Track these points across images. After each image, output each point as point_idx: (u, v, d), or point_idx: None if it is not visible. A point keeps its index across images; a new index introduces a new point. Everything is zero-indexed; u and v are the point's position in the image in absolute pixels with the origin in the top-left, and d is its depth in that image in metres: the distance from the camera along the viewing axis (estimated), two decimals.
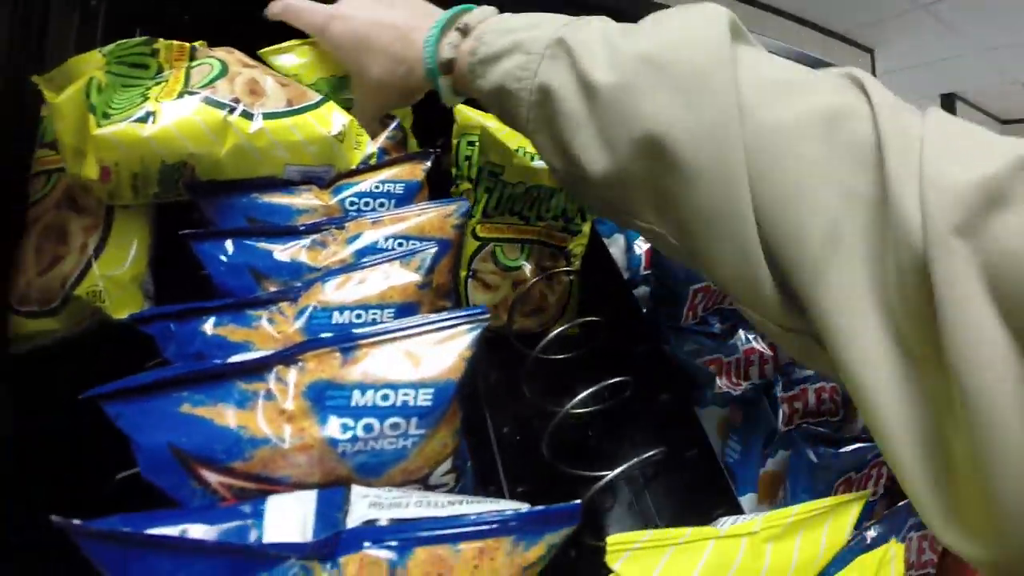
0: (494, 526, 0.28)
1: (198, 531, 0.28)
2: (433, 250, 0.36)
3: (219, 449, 0.31)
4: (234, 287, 0.38)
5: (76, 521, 0.26)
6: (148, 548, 0.26)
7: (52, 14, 0.46)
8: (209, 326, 0.36)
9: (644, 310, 0.52)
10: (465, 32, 0.45)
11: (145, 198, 0.40)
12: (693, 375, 0.49)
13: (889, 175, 0.28)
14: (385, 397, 0.30)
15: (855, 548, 0.45)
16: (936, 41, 3.85)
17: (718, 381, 0.49)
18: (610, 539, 0.31)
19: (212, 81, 0.40)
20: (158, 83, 0.41)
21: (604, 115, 0.37)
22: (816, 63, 0.85)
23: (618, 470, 0.43)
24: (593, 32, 0.40)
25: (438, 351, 0.31)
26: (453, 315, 0.31)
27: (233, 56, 0.45)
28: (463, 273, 0.56)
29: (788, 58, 0.35)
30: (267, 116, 0.40)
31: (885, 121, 0.30)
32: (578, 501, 0.27)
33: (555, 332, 0.50)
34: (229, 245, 0.38)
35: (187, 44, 0.45)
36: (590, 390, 0.46)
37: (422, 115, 0.56)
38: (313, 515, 0.30)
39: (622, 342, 0.54)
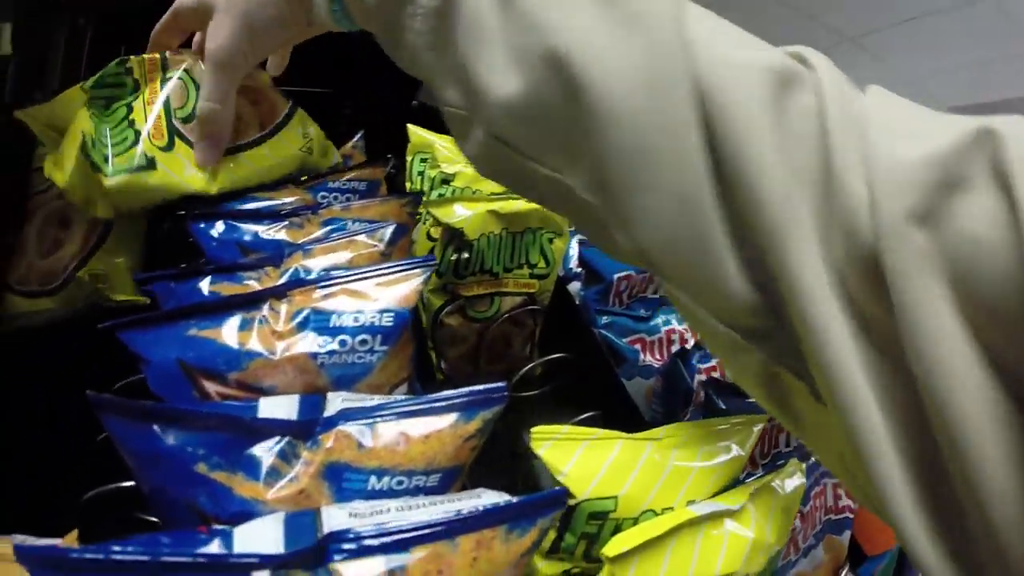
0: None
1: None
2: (393, 227, 0.51)
3: (221, 362, 0.44)
4: (224, 259, 0.53)
5: (106, 395, 0.39)
6: (166, 421, 0.40)
7: (52, 32, 0.60)
8: (206, 284, 0.50)
9: (577, 301, 0.67)
10: None
11: (143, 211, 0.55)
12: (620, 352, 0.63)
13: (832, 151, 0.28)
14: (356, 318, 0.45)
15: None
16: (866, 72, 4.33)
17: (641, 356, 0.63)
18: (534, 430, 0.43)
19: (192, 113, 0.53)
20: (136, 97, 0.54)
21: (518, 23, 0.35)
22: None
23: None
24: None
25: (398, 287, 0.46)
26: (408, 262, 0.46)
27: (199, 67, 0.56)
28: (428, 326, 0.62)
29: None
30: (244, 147, 0.56)
31: (828, 90, 0.30)
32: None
33: (523, 370, 0.61)
34: (220, 224, 0.51)
35: (157, 55, 0.57)
36: (528, 366, 0.60)
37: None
38: (297, 408, 0.44)
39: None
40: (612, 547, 0.41)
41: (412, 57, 0.41)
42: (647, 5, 0.33)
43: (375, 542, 0.33)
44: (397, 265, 0.46)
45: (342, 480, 0.40)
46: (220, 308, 0.45)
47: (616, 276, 0.65)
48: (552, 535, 0.45)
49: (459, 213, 0.57)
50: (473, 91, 0.37)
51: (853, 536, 0.63)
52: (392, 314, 0.45)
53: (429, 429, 0.41)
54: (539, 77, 0.34)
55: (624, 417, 0.60)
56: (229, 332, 0.44)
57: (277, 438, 0.41)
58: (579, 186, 0.35)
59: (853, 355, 0.27)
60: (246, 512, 0.39)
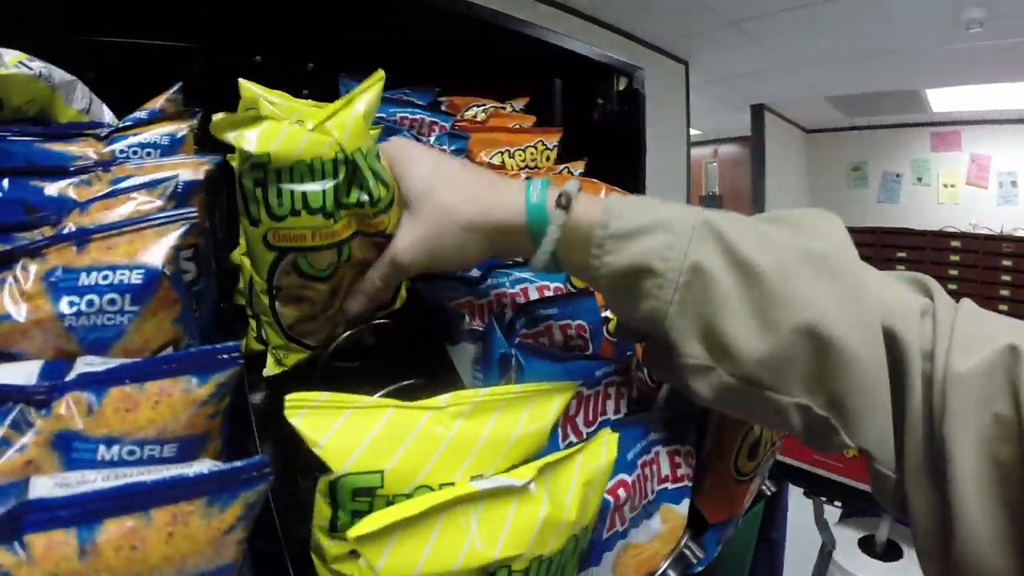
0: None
1: None
2: (179, 182, 0.51)
3: None
4: (6, 219, 0.53)
5: None
6: None
7: None
8: None
9: None
10: (567, 202, 0.52)
11: None
12: (446, 316, 0.62)
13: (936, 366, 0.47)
14: (105, 277, 0.44)
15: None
16: (745, 56, 4.76)
17: (466, 320, 0.62)
18: (289, 396, 0.39)
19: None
20: None
21: (763, 297, 0.47)
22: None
23: None
24: (734, 217, 0.50)
25: (154, 242, 0.46)
26: (167, 215, 0.45)
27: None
28: (263, 295, 0.56)
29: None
30: None
31: (940, 320, 0.48)
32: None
33: (340, 339, 0.60)
34: (5, 182, 0.52)
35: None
36: (344, 335, 0.59)
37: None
38: (37, 374, 0.44)
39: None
40: (360, 526, 0.39)
41: (662, 318, 0.50)
42: (854, 275, 0.49)
43: (65, 513, 0.33)
44: (155, 218, 0.45)
45: (71, 450, 0.40)
46: None
47: None
48: (327, 512, 0.44)
49: None
50: (719, 348, 0.48)
51: (694, 504, 0.61)
52: (142, 271, 0.44)
53: (159, 393, 0.40)
54: (789, 340, 0.46)
55: (446, 386, 0.59)
56: None
57: (9, 406, 0.41)
58: (816, 404, 0.48)
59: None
60: None
